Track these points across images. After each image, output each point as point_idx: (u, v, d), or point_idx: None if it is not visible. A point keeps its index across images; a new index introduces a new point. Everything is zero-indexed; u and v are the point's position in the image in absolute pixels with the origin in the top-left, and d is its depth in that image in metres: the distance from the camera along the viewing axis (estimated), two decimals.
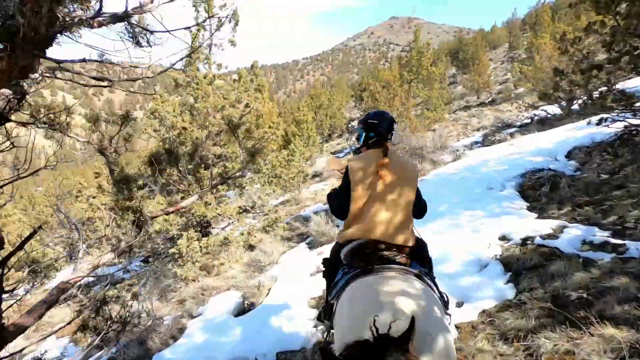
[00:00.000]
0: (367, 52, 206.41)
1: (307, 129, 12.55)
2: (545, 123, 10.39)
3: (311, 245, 6.20)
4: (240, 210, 8.44)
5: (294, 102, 39.98)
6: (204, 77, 6.29)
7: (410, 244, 1.93)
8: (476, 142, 11.30)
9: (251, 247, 7.49)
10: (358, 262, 1.86)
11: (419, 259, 2.00)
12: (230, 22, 6.88)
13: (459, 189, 6.02)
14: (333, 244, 2.36)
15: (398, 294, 1.50)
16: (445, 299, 1.90)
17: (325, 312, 2.26)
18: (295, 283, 4.57)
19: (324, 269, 2.36)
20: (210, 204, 6.05)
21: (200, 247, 6.06)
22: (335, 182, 13.85)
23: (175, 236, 5.92)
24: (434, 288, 1.78)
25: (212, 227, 7.39)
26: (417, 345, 1.20)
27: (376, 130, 2.14)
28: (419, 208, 2.09)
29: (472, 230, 4.32)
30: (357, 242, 1.91)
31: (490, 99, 22.66)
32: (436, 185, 7.07)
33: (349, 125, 33.36)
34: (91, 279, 9.82)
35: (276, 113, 17.05)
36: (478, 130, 14.43)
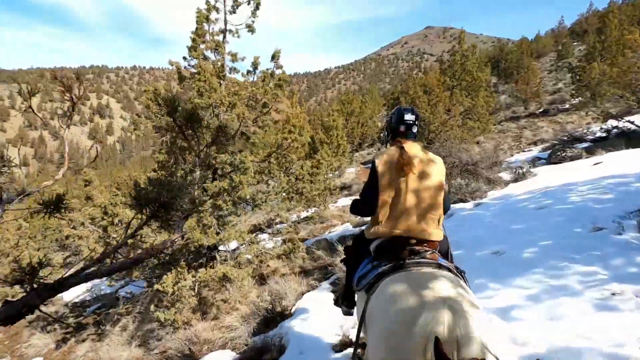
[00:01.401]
0: (400, 61, 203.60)
1: (336, 137, 11.04)
2: (631, 137, 8.42)
3: (336, 289, 4.71)
4: (254, 229, 7.11)
5: (325, 109, 38.79)
6: (212, 66, 5.01)
7: (440, 238, 1.97)
8: (539, 158, 9.44)
9: (262, 279, 6.11)
10: (388, 256, 1.87)
11: (444, 255, 2.03)
12: (249, 4, 5.63)
13: (544, 225, 4.35)
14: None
15: (444, 294, 1.43)
16: None
17: (345, 299, 2.45)
18: None
19: (345, 256, 2.45)
20: (210, 228, 4.72)
21: (198, 282, 4.73)
22: None
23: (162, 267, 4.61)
24: (467, 283, 1.74)
25: (218, 251, 6.06)
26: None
27: (389, 126, 2.23)
28: (444, 205, 2.03)
29: (598, 304, 2.68)
30: (388, 236, 1.94)
31: (541, 110, 20.36)
32: (503, 214, 5.40)
33: (381, 135, 31.72)
34: (87, 297, 8.79)
35: (304, 118, 15.77)
36: (535, 144, 12.46)
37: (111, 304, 7.84)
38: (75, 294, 9.31)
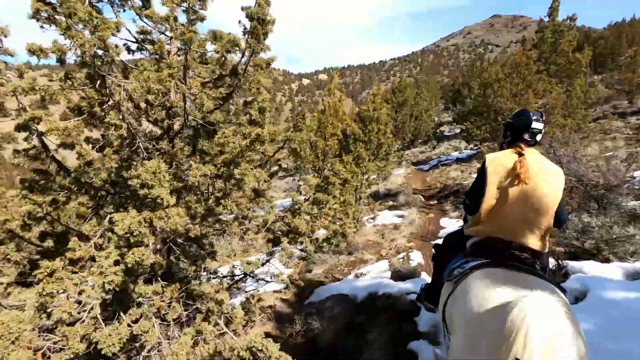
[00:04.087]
0: (461, 53, 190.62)
1: (376, 132, 7.88)
2: None
3: None
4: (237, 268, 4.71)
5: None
6: None
7: (544, 251, 1.89)
8: None
9: None
10: (486, 254, 1.82)
11: (545, 270, 1.91)
12: None
13: None
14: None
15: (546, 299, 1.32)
16: None
17: (429, 295, 2.30)
18: None
19: (434, 253, 2.43)
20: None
21: None
22: (414, 214, 9.33)
23: None
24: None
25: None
26: None
27: (512, 129, 2.07)
28: (558, 217, 1.92)
29: None
30: (489, 236, 1.88)
31: None
32: None
33: (437, 131, 27.80)
34: None
35: (351, 109, 12.99)
36: None
37: None
38: None
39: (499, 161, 1.92)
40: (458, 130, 20.91)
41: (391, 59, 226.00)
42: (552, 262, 4.07)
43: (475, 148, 16.06)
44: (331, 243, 3.35)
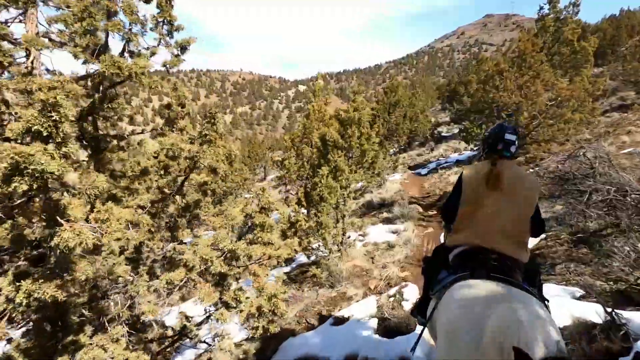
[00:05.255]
0: (456, 53, 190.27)
1: (357, 138, 6.40)
2: None
3: None
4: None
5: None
6: None
7: (524, 260, 1.87)
8: None
9: None
10: (467, 264, 1.82)
11: (530, 280, 1.89)
12: None
13: None
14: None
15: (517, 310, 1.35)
16: None
17: (420, 308, 2.28)
18: None
19: (423, 266, 2.37)
20: None
21: None
22: (410, 230, 8.13)
23: None
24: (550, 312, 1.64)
25: None
26: None
27: (487, 143, 2.14)
28: (535, 225, 1.98)
29: None
30: (467, 246, 1.89)
31: None
32: None
33: (435, 132, 26.62)
34: None
35: (327, 114, 11.88)
36: None
37: None
38: None
39: (475, 171, 1.97)
40: (456, 131, 19.77)
41: (387, 62, 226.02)
42: (600, 311, 2.88)
43: (475, 148, 14.88)
44: (255, 327, 2.16)
